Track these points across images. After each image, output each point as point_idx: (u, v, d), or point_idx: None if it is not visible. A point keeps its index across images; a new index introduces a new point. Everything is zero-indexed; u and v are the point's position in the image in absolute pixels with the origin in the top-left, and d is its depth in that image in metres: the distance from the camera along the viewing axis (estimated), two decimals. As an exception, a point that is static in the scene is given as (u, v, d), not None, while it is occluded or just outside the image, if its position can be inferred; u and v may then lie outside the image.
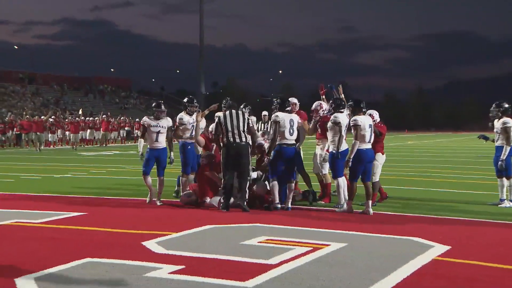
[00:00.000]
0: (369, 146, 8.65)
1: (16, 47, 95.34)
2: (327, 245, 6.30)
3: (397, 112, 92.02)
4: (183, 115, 9.97)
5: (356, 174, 8.60)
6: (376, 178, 9.30)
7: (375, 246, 6.38)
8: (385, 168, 16.21)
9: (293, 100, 9.98)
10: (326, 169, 9.67)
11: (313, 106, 10.02)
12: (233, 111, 9.06)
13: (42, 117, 31.01)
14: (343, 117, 8.93)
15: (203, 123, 10.11)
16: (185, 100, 10.19)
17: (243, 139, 8.82)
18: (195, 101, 10.16)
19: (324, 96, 10.52)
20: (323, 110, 9.81)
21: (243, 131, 8.84)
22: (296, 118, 9.11)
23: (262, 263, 5.49)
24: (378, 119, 9.52)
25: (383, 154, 9.53)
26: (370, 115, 9.25)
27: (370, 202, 8.60)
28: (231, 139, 8.79)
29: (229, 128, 8.81)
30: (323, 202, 9.67)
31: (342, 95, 10.19)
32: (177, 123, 10.03)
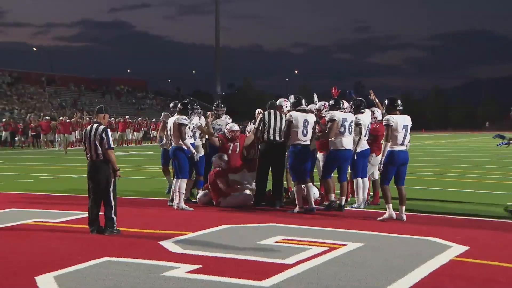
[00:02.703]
0: (403, 147, 8.03)
1: (35, 49, 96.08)
2: (344, 245, 6.30)
3: (413, 112, 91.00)
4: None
5: (388, 177, 8.01)
6: (375, 176, 9.19)
7: (392, 246, 6.35)
8: (402, 168, 16.21)
9: (280, 102, 9.63)
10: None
11: (317, 105, 9.63)
12: (276, 111, 9.32)
13: (64, 117, 31.14)
14: (364, 117, 8.90)
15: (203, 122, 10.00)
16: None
17: (282, 139, 9.14)
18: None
19: (336, 98, 10.27)
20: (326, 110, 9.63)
21: (282, 131, 9.14)
22: (312, 118, 8.84)
23: (279, 263, 5.50)
24: (380, 118, 9.17)
25: (377, 155, 8.97)
26: (372, 112, 9.21)
27: (404, 207, 8.00)
28: (271, 137, 9.14)
29: (271, 127, 9.15)
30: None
31: (376, 99, 9.90)
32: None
